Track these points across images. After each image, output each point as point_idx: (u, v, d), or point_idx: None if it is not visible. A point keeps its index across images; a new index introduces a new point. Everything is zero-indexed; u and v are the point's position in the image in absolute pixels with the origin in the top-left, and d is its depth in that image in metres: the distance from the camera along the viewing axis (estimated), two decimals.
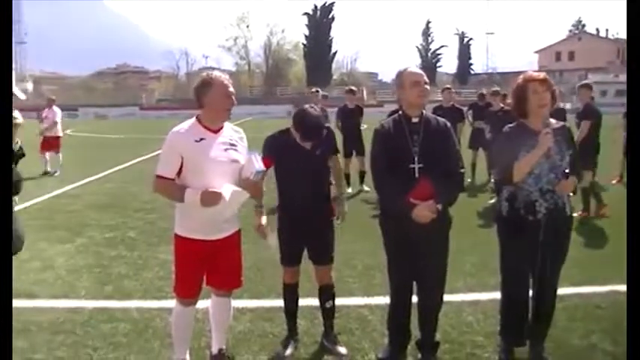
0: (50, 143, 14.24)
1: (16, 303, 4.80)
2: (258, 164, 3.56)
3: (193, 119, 3.64)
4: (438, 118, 3.90)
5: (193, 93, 3.59)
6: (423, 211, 3.59)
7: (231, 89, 3.60)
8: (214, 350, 4.01)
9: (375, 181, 3.91)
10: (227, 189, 3.46)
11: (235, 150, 3.64)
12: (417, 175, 3.68)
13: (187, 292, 3.74)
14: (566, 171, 3.64)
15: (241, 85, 68.79)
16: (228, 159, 3.58)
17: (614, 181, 11.36)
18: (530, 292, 3.91)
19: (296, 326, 4.34)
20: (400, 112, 3.86)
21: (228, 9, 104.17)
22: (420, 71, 3.84)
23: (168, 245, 6.63)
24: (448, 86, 12.44)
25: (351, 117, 11.08)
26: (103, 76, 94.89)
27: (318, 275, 4.24)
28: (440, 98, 11.76)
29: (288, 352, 4.15)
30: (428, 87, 3.78)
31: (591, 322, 4.57)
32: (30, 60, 78.02)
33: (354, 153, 11.02)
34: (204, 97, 3.53)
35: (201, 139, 3.52)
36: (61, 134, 14.77)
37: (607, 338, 4.29)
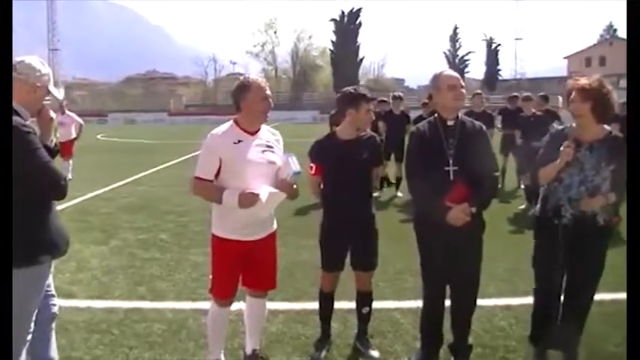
0: (66, 148, 13.37)
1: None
2: (295, 166, 3.59)
3: (231, 122, 3.69)
4: (474, 121, 3.89)
5: (231, 96, 3.66)
6: (458, 214, 3.59)
7: (268, 92, 3.65)
8: (248, 351, 4.04)
9: (409, 183, 3.92)
10: (264, 190, 3.50)
11: (272, 152, 3.69)
12: (451, 177, 3.68)
13: (224, 293, 3.80)
14: (604, 188, 3.57)
15: None
16: (266, 160, 3.63)
17: None
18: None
19: (329, 330, 4.36)
20: (436, 115, 3.87)
21: (256, 15, 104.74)
22: (457, 74, 3.84)
23: (200, 248, 6.75)
24: (479, 92, 12.41)
25: (396, 123, 11.18)
26: (133, 82, 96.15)
27: (359, 281, 4.23)
28: (469, 104, 11.75)
29: (322, 354, 4.18)
30: (464, 91, 3.78)
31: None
32: (62, 67, 79.23)
33: (394, 158, 11.13)
34: (242, 101, 3.59)
35: (239, 141, 3.59)
36: (73, 136, 14.03)
37: None
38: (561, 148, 3.58)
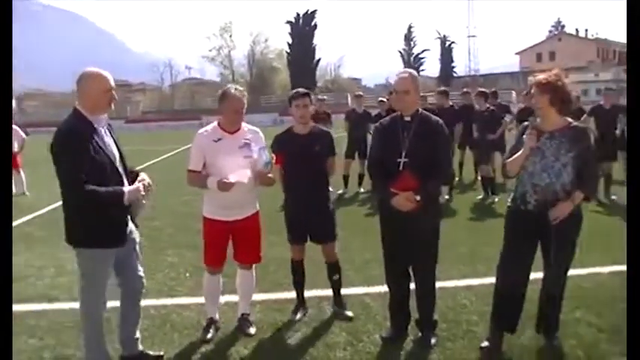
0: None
1: (38, 306, 5.23)
2: (266, 157, 4.32)
3: (215, 123, 4.44)
4: (432, 116, 4.28)
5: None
6: (401, 201, 4.03)
7: (242, 104, 4.31)
8: (239, 314, 4.76)
9: (369, 172, 4.39)
10: (233, 177, 4.24)
11: (248, 148, 4.35)
12: (400, 168, 4.09)
13: (212, 262, 4.59)
14: (565, 175, 3.81)
15: None
16: (242, 155, 4.33)
17: None
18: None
19: (303, 296, 4.99)
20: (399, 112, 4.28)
21: (211, 19, 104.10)
22: (402, 77, 4.22)
23: (175, 249, 7.00)
24: (443, 89, 13.17)
25: (358, 121, 11.49)
26: None
27: (324, 253, 4.90)
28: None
29: (298, 316, 4.81)
30: (403, 95, 4.17)
31: (576, 300, 4.86)
32: (14, 78, 76.75)
33: (358, 155, 11.38)
34: (221, 106, 4.30)
35: (219, 140, 4.33)
36: (15, 149, 12.74)
37: (591, 312, 4.70)
38: (524, 136, 3.92)
